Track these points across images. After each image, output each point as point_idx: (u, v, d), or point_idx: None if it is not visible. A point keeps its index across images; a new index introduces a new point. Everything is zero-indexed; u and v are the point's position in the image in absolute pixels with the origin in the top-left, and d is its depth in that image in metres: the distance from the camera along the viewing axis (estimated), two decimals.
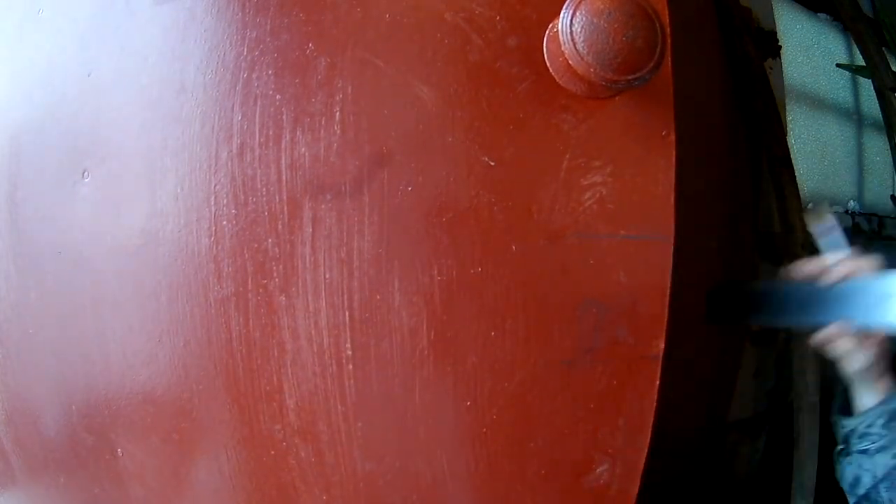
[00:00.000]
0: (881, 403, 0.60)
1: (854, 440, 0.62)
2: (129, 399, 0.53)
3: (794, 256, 0.99)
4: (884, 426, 0.60)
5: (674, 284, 0.48)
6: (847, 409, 0.64)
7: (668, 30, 0.42)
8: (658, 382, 0.48)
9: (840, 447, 0.65)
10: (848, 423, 0.63)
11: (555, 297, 0.46)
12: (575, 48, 0.40)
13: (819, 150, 1.52)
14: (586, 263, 0.46)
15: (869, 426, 0.61)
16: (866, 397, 0.61)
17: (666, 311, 0.47)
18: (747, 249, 1.01)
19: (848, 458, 0.63)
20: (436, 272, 0.45)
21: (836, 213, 1.39)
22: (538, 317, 0.46)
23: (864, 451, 0.62)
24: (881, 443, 0.60)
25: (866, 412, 0.61)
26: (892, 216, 1.60)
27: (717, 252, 0.85)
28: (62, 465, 0.61)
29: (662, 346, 0.48)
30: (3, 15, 0.62)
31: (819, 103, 1.56)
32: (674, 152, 0.47)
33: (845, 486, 0.64)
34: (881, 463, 0.60)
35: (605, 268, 0.46)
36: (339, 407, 0.47)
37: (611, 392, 0.48)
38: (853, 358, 0.59)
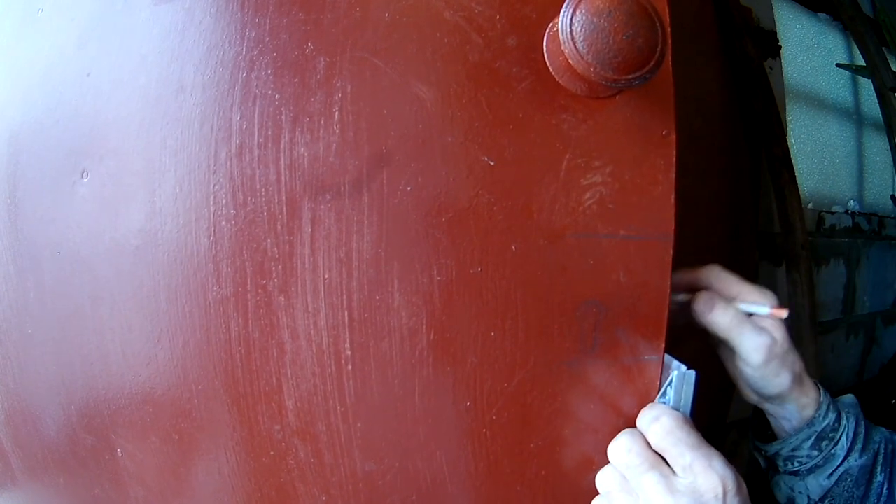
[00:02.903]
0: (807, 426, 0.58)
1: (780, 463, 0.60)
2: (128, 399, 0.52)
3: (795, 256, 0.99)
4: (812, 447, 0.58)
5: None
6: (760, 432, 0.62)
7: (668, 29, 0.42)
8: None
9: (764, 467, 0.63)
10: (770, 448, 0.60)
11: (554, 298, 0.46)
12: (575, 47, 0.40)
13: (819, 150, 1.52)
14: (586, 263, 0.46)
15: (794, 449, 0.59)
16: (784, 421, 0.59)
17: (666, 311, 0.47)
18: (747, 249, 1.01)
19: (776, 479, 0.62)
20: (435, 272, 0.45)
21: (836, 213, 1.39)
22: (538, 317, 0.46)
23: (794, 473, 0.59)
24: (812, 464, 0.58)
25: (791, 436, 0.59)
26: (892, 216, 1.60)
27: (717, 252, 0.85)
28: (62, 466, 0.61)
29: (663, 346, 0.48)
30: (2, 15, 0.62)
31: (819, 103, 1.56)
32: (674, 152, 0.47)
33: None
34: (815, 484, 0.58)
35: (605, 268, 0.46)
36: (339, 407, 0.46)
37: (611, 393, 0.48)
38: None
